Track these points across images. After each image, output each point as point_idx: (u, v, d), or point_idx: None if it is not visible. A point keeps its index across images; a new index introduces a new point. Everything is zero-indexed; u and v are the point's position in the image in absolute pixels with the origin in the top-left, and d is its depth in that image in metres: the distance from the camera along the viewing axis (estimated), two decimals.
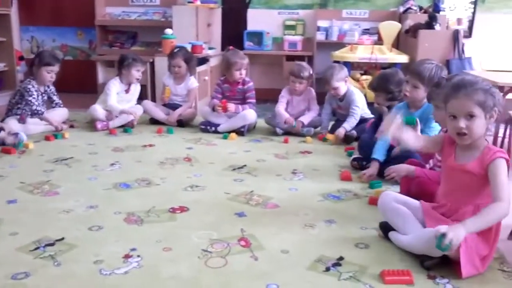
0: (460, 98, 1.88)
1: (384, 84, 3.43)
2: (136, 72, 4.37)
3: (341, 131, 3.89)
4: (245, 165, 3.27)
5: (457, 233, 1.73)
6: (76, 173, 3.04)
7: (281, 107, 4.22)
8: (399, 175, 2.61)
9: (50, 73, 4.12)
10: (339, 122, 4.19)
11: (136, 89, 4.51)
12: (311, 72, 4.24)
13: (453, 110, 1.91)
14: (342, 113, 4.12)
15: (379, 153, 3.03)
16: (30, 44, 6.30)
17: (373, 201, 2.56)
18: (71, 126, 4.27)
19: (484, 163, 1.88)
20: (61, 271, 1.85)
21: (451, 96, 1.92)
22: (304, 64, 4.27)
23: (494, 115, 1.89)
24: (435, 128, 2.84)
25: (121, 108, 4.26)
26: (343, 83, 4.04)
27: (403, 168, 2.61)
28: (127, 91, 4.42)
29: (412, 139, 2.11)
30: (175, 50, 4.50)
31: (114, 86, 4.35)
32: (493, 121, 1.92)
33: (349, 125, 3.93)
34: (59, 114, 4.25)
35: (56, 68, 4.15)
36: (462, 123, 1.88)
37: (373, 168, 2.99)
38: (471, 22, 5.62)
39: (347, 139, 3.91)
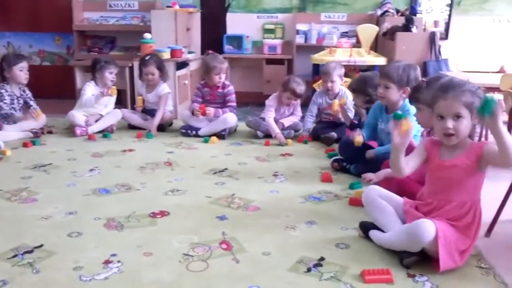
0: (448, 99, 1.91)
1: (362, 86, 3.48)
2: (109, 74, 4.32)
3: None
4: (226, 169, 3.26)
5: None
6: (55, 180, 3.01)
7: (271, 117, 4.16)
8: (378, 178, 2.65)
9: (22, 70, 4.09)
10: (320, 124, 4.23)
11: None
12: (305, 87, 4.25)
13: (440, 110, 1.93)
14: (329, 113, 4.16)
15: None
16: (7, 50, 6.19)
17: (354, 202, 2.59)
18: (50, 132, 4.22)
19: (472, 155, 1.90)
20: (40, 278, 1.82)
21: (439, 97, 1.94)
22: (300, 80, 4.22)
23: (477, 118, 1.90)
24: (415, 128, 2.86)
25: (95, 96, 4.23)
26: (339, 80, 4.12)
27: (381, 173, 2.67)
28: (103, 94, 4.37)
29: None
30: (147, 58, 4.40)
31: (89, 88, 4.31)
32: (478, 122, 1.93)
33: (352, 114, 4.03)
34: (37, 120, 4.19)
35: (25, 64, 4.12)
36: (450, 124, 1.90)
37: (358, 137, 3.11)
38: (448, 24, 5.71)
39: (327, 141, 3.94)
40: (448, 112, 1.91)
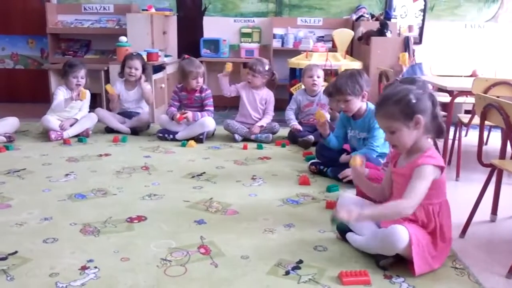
0: (378, 117, 1.99)
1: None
2: (73, 79, 4.25)
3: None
4: (204, 172, 3.26)
5: (351, 214, 1.87)
6: (29, 185, 2.96)
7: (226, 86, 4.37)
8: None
9: None
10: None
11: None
12: (267, 68, 4.31)
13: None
14: (308, 113, 4.22)
15: (331, 140, 3.22)
16: None
17: (330, 205, 2.60)
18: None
19: (413, 167, 1.91)
20: (15, 285, 1.79)
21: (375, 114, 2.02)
22: (264, 60, 4.36)
23: (419, 122, 1.88)
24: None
25: (65, 100, 4.16)
26: (322, 78, 4.22)
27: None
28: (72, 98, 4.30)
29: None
30: (134, 54, 4.49)
31: (61, 92, 4.26)
32: (422, 128, 1.90)
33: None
34: (9, 123, 4.11)
35: None
36: (387, 137, 1.98)
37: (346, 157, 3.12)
38: (421, 29, 5.80)
39: (304, 144, 3.96)
40: (382, 128, 1.99)
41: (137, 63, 4.41)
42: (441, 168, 1.92)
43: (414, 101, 1.87)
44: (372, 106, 3.04)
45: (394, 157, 2.09)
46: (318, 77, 4.20)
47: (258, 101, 4.32)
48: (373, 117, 2.98)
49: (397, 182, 2.04)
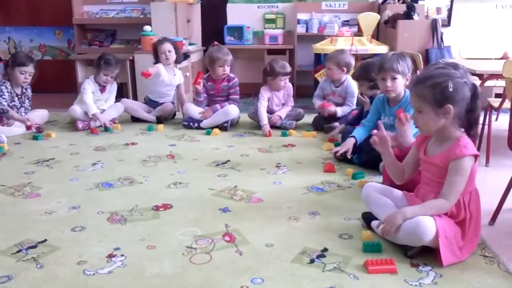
0: (411, 94, 1.96)
1: (365, 73, 3.46)
2: (104, 76, 4.25)
3: (332, 108, 4.00)
4: (228, 160, 3.26)
5: (392, 221, 1.88)
6: (58, 174, 3.01)
7: (262, 106, 4.15)
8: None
9: (23, 74, 4.02)
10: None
11: (112, 87, 4.42)
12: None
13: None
14: (334, 101, 4.14)
15: (358, 134, 3.12)
16: (7, 45, 6.20)
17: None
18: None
19: (448, 158, 1.87)
20: (44, 273, 1.83)
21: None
22: (279, 60, 4.24)
23: (449, 112, 1.84)
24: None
25: (94, 112, 4.13)
26: (336, 68, 4.07)
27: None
28: (102, 90, 4.33)
29: None
30: (160, 39, 4.48)
31: (89, 86, 4.27)
32: (451, 117, 1.85)
33: (342, 110, 4.01)
34: (39, 115, 4.20)
35: (30, 68, 4.04)
36: (414, 115, 1.95)
37: (348, 144, 3.06)
38: (450, 11, 5.65)
39: (330, 131, 3.92)
40: (412, 105, 1.96)
41: (168, 46, 4.39)
42: (476, 157, 1.87)
43: (450, 89, 1.81)
44: (409, 92, 2.97)
45: (422, 144, 2.03)
46: (329, 69, 4.05)
47: (280, 97, 4.29)
48: (410, 105, 2.92)
49: (428, 171, 1.99)
